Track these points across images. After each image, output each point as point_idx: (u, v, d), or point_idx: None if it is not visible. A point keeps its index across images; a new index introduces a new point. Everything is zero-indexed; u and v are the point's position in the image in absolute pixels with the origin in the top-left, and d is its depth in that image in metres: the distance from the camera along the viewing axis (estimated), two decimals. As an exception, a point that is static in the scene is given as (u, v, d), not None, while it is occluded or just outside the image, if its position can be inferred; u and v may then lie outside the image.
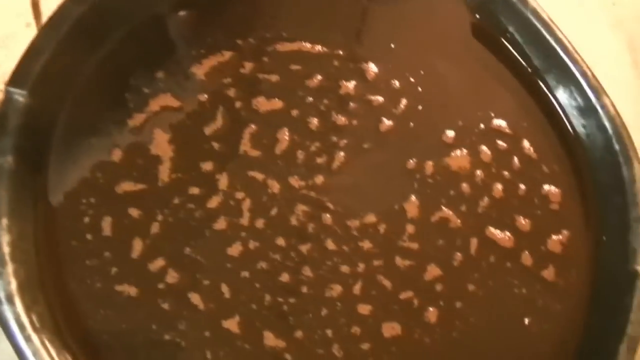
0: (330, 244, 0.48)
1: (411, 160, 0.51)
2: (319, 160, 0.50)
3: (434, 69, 0.53)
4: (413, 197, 0.50)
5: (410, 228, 0.49)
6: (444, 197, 0.50)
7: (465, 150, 0.52)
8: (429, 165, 0.51)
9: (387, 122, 0.52)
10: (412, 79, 0.53)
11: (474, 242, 0.49)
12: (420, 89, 0.53)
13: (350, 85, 0.52)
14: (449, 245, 0.49)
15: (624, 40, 0.62)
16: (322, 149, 0.51)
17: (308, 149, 0.51)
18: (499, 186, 0.51)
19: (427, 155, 0.51)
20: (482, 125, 0.52)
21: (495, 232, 0.50)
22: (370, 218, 0.49)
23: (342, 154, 0.50)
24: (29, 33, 0.51)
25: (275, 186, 0.49)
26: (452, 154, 0.51)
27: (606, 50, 0.62)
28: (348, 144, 0.51)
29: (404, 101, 0.52)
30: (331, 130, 0.51)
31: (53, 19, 0.49)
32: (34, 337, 0.42)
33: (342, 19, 0.53)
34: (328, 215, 0.49)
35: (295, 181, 0.50)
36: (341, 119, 0.51)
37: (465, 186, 0.51)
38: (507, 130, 0.52)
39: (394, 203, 0.50)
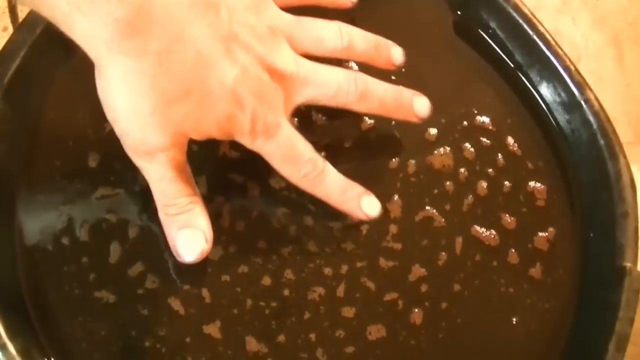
0: (312, 246, 0.48)
1: (393, 160, 0.51)
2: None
3: (416, 66, 0.53)
4: (396, 197, 0.50)
5: (393, 228, 0.49)
6: (427, 196, 0.50)
7: (448, 148, 0.51)
8: (412, 164, 0.50)
9: (368, 121, 0.51)
10: (393, 77, 0.52)
11: (458, 241, 0.49)
12: (410, 77, 0.53)
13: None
14: (433, 244, 0.49)
15: (608, 35, 0.62)
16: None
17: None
18: (483, 184, 0.50)
19: (409, 154, 0.51)
20: (465, 123, 0.52)
21: (480, 231, 0.49)
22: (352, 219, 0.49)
23: (322, 153, 0.49)
24: (6, 37, 0.51)
25: (255, 188, 0.49)
26: (435, 152, 0.51)
27: (590, 46, 0.62)
28: (329, 144, 0.50)
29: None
30: (311, 130, 0.50)
31: (26, 21, 0.49)
32: (10, 346, 0.41)
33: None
34: (309, 217, 0.48)
35: (275, 182, 0.49)
36: (321, 119, 0.51)
37: (449, 184, 0.50)
38: (491, 127, 0.52)
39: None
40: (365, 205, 0.47)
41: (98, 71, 0.42)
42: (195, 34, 0.42)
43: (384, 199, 0.49)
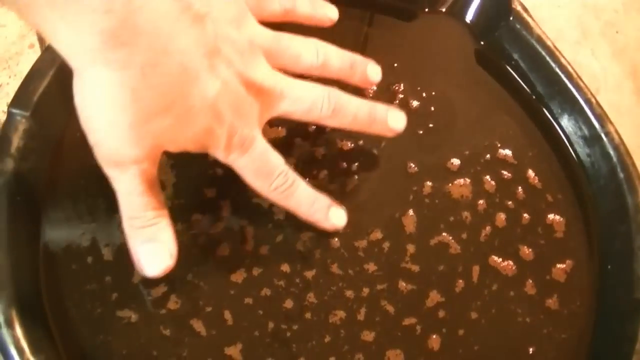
0: (336, 269, 0.48)
1: (411, 164, 0.52)
2: (330, 186, 0.50)
3: (442, 96, 0.54)
4: (411, 212, 0.50)
5: (411, 248, 0.49)
6: (443, 222, 0.50)
7: (468, 180, 0.52)
8: (428, 186, 0.51)
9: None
10: (424, 94, 0.54)
11: (475, 270, 0.49)
12: (432, 108, 0.54)
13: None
14: (450, 271, 0.49)
15: (627, 68, 0.62)
16: (333, 176, 0.51)
17: (316, 177, 0.51)
18: (502, 215, 0.51)
19: (427, 176, 0.52)
20: (488, 156, 0.53)
21: (497, 261, 0.49)
22: (377, 235, 0.49)
23: (355, 177, 0.50)
24: (33, 55, 0.51)
25: (281, 213, 0.49)
26: (455, 182, 0.51)
27: (609, 78, 0.62)
28: (359, 166, 0.51)
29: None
30: (338, 157, 0.51)
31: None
32: (33, 362, 0.42)
33: (343, 43, 0.53)
34: (336, 239, 0.49)
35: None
36: (347, 144, 0.51)
37: (466, 214, 0.51)
38: (512, 160, 0.52)
39: (394, 212, 0.50)
40: (332, 216, 0.48)
41: (78, 80, 0.41)
42: (181, 47, 0.41)
43: (400, 208, 0.50)
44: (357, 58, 0.51)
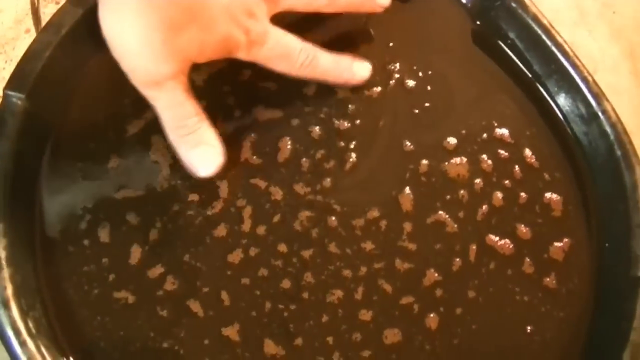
0: (333, 248, 0.48)
1: (408, 143, 0.51)
2: (327, 165, 0.50)
3: (440, 75, 0.54)
4: (407, 190, 0.50)
5: (407, 226, 0.49)
6: (439, 200, 0.50)
7: (465, 159, 0.51)
8: (424, 164, 0.51)
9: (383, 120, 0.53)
10: (420, 74, 0.54)
11: (472, 248, 0.49)
12: (429, 87, 0.54)
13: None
14: (447, 249, 0.49)
15: (624, 49, 0.62)
16: (330, 155, 0.50)
17: (313, 156, 0.50)
18: (499, 194, 0.51)
19: (423, 155, 0.51)
20: (484, 135, 0.52)
21: (495, 239, 0.49)
22: (374, 213, 0.49)
23: (353, 155, 0.50)
24: (29, 39, 0.51)
25: (278, 193, 0.49)
26: (452, 161, 0.51)
27: (607, 59, 0.62)
28: (357, 145, 0.51)
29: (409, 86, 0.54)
30: (335, 136, 0.51)
31: (51, 22, 0.49)
32: (30, 343, 0.42)
33: (340, 23, 0.53)
34: (333, 218, 0.49)
35: (300, 188, 0.49)
36: (344, 124, 0.51)
37: (462, 193, 0.50)
38: (509, 139, 0.52)
39: (391, 189, 0.50)
40: (357, 70, 0.53)
41: (105, 9, 0.44)
42: None
43: (398, 186, 0.50)
44: None
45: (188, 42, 0.45)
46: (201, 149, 0.47)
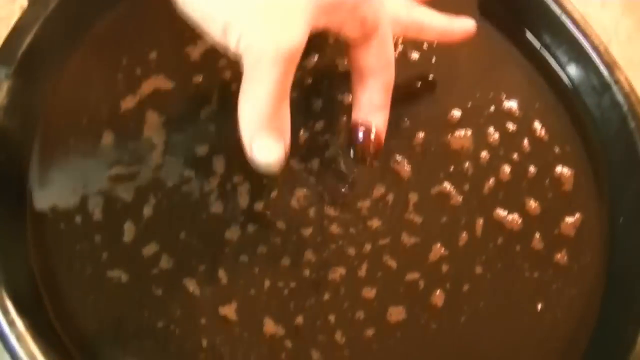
0: (335, 228, 0.46)
1: (406, 117, 0.50)
2: (322, 139, 0.49)
3: (447, 46, 0.52)
4: (405, 161, 0.49)
5: (413, 197, 0.48)
6: (442, 170, 0.49)
7: (469, 131, 0.50)
8: (420, 137, 0.50)
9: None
10: (424, 46, 0.52)
11: (479, 223, 0.48)
12: (434, 59, 0.52)
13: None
14: (452, 223, 0.48)
15: (638, 20, 0.61)
16: (327, 128, 0.49)
17: (311, 129, 0.49)
18: (506, 168, 0.49)
19: (422, 127, 0.50)
20: (492, 108, 0.51)
21: (502, 214, 0.48)
22: (380, 190, 0.48)
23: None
24: (24, 15, 0.50)
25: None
26: (456, 133, 0.50)
27: (621, 31, 0.61)
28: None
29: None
30: (336, 110, 0.50)
31: (41, -4, 0.48)
32: (18, 322, 0.40)
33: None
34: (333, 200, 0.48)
35: (296, 163, 0.48)
36: (345, 98, 0.50)
37: (467, 165, 0.49)
38: (518, 113, 0.51)
39: (389, 161, 0.49)
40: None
41: None
42: None
43: (391, 159, 0.49)
44: None
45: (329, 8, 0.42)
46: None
